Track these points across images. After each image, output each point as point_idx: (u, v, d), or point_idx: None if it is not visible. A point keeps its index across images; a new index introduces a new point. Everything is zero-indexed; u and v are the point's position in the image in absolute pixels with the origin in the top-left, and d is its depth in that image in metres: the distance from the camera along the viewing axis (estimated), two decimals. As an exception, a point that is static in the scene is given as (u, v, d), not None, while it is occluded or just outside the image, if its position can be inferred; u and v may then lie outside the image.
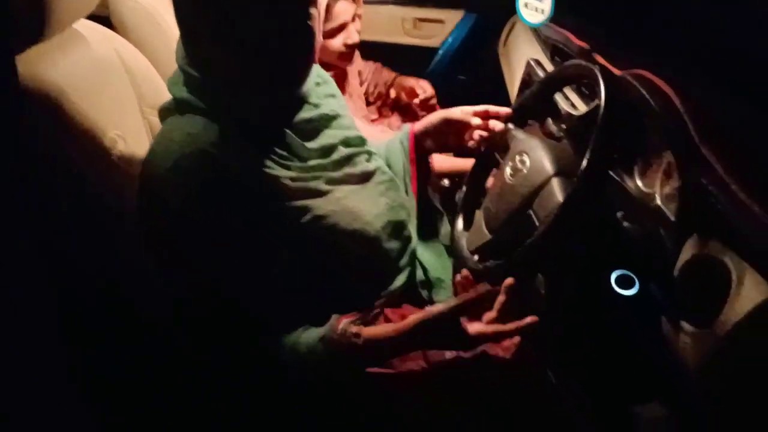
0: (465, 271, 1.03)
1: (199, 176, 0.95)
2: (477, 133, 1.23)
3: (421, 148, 1.30)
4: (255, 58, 0.95)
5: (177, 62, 1.04)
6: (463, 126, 1.24)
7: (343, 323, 0.96)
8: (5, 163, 0.77)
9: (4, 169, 0.77)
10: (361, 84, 2.14)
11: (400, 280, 1.14)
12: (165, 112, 1.05)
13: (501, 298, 0.95)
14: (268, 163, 1.01)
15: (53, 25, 0.95)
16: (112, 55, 1.18)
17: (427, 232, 1.30)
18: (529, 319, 0.94)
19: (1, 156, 0.78)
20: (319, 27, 1.00)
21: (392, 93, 2.11)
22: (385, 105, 2.17)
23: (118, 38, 1.25)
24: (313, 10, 0.97)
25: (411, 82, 2.12)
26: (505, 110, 1.23)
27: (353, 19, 1.80)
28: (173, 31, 1.54)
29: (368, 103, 2.16)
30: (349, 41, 1.78)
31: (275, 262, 1.01)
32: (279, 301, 1.00)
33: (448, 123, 1.25)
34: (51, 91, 0.98)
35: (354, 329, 0.95)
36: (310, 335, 0.97)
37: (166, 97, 1.30)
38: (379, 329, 0.97)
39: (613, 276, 0.98)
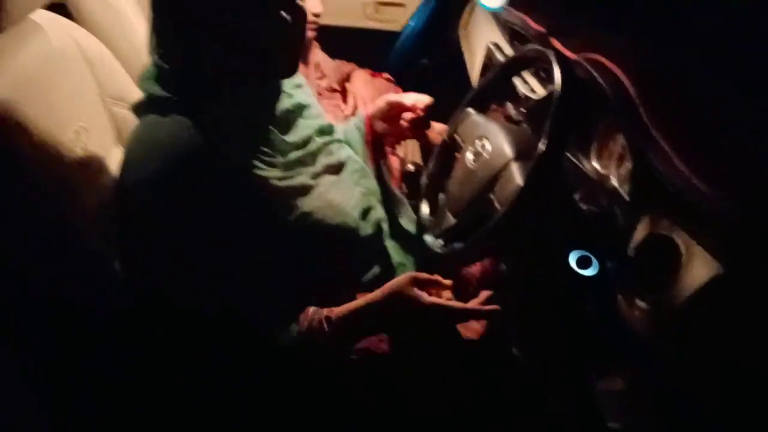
0: None
1: (188, 179, 0.93)
2: (407, 115, 1.30)
3: (376, 132, 1.33)
4: (246, 49, 0.95)
5: (151, 56, 1.01)
6: (403, 108, 1.29)
7: (311, 311, 0.98)
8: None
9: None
10: (321, 78, 2.14)
11: (376, 267, 1.17)
12: (140, 110, 1.02)
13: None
14: (255, 163, 1.01)
15: (10, 17, 0.93)
16: (70, 45, 1.16)
17: (389, 217, 1.32)
18: (491, 306, 0.98)
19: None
20: (309, 14, 1.00)
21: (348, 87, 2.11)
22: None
23: (76, 27, 1.23)
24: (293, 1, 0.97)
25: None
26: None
27: None
28: (130, 18, 1.52)
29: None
30: (314, 10, 1.78)
31: (261, 258, 1.01)
32: (262, 294, 1.01)
33: (391, 106, 1.30)
34: (8, 83, 0.96)
35: (324, 311, 0.98)
36: (289, 334, 0.99)
37: (127, 85, 1.30)
38: (351, 304, 1.00)
39: (573, 257, 1.01)
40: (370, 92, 2.02)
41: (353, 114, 1.96)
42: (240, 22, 0.93)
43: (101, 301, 1.07)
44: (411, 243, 1.28)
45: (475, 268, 1.29)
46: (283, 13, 0.96)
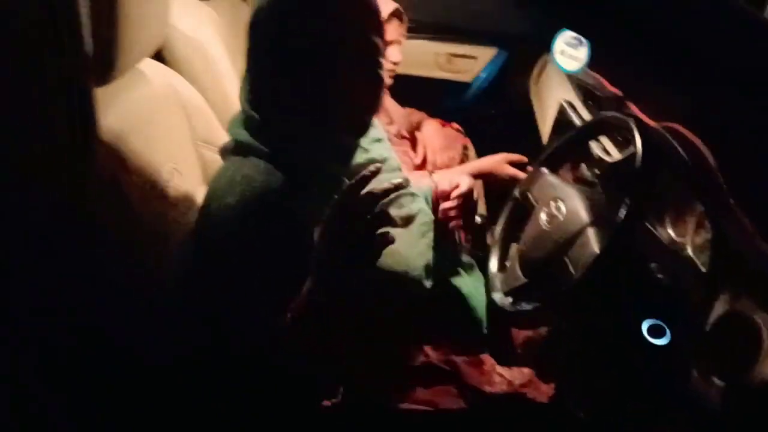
0: None
1: (257, 216, 0.98)
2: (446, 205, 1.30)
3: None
4: (326, 107, 1.01)
5: (241, 104, 1.09)
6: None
7: None
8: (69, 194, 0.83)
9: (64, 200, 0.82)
10: (390, 124, 2.19)
11: (438, 318, 1.18)
12: (225, 152, 1.10)
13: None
14: (324, 208, 1.06)
15: (123, 66, 1.01)
16: (168, 90, 1.24)
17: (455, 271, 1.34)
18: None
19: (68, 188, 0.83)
20: (386, 74, 1.06)
21: (418, 136, 2.12)
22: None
23: (173, 73, 1.32)
24: (382, 60, 1.03)
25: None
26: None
27: (399, 41, 1.88)
28: (221, 67, 1.61)
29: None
30: (394, 59, 1.85)
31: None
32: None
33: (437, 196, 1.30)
34: (114, 126, 1.04)
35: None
36: None
37: (216, 129, 1.37)
38: None
39: (645, 325, 1.01)
40: (441, 141, 2.05)
41: (423, 163, 1.99)
42: (324, 83, 1.01)
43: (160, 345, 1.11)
44: (476, 297, 1.29)
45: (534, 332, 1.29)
46: (365, 78, 1.02)
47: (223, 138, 1.14)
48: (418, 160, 2.02)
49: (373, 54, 1.03)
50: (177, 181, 1.17)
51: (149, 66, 1.23)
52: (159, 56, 1.45)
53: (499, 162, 1.71)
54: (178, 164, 1.20)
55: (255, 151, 1.04)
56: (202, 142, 1.32)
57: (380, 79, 1.05)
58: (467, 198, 1.27)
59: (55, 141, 0.80)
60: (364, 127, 1.10)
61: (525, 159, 1.68)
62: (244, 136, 1.06)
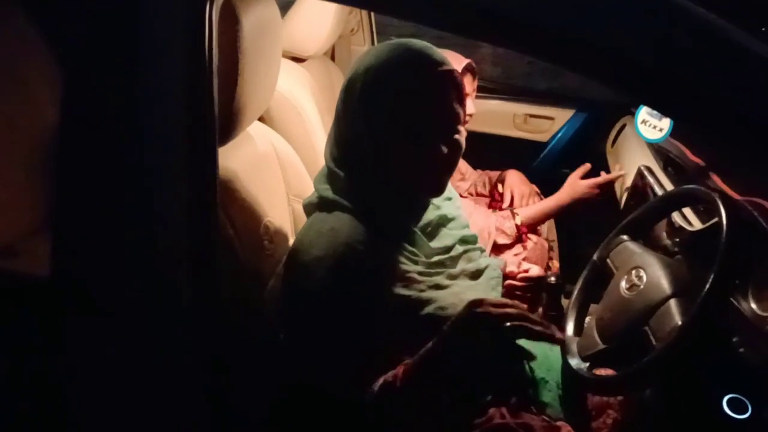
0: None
1: (343, 266, 1.06)
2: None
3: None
4: (407, 170, 1.08)
5: (326, 162, 1.17)
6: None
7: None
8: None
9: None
10: (462, 180, 2.25)
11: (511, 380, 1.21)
12: (310, 207, 1.18)
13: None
14: (401, 259, 1.13)
15: (240, 127, 1.11)
16: (269, 148, 1.34)
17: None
18: None
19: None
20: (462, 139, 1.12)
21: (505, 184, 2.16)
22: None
23: (273, 132, 1.42)
24: (461, 127, 1.10)
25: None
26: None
27: (472, 94, 1.95)
28: (313, 125, 1.71)
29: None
30: (468, 111, 1.92)
31: (398, 348, 1.10)
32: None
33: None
34: (224, 181, 1.14)
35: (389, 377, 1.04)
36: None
37: (308, 184, 1.46)
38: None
39: (725, 399, 1.01)
40: (527, 188, 2.09)
41: (511, 207, 2.03)
42: (404, 149, 1.08)
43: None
44: (551, 360, 1.30)
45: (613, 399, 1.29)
46: (447, 145, 1.09)
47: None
48: (505, 205, 2.06)
49: (455, 122, 1.10)
50: (271, 233, 1.26)
51: (253, 127, 1.33)
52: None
53: (572, 185, 1.77)
54: (273, 218, 1.29)
55: (339, 207, 1.11)
56: (294, 197, 1.41)
57: (460, 146, 1.12)
58: (533, 285, 1.34)
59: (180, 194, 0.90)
60: (441, 189, 1.17)
61: (589, 166, 1.80)
62: (329, 192, 1.13)
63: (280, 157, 1.37)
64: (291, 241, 1.38)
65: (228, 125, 1.06)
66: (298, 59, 1.95)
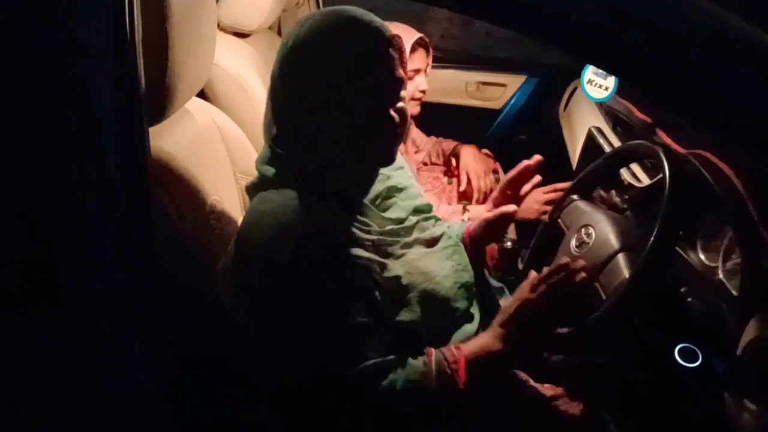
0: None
1: (297, 238, 1.03)
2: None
3: (476, 243, 1.37)
4: (351, 142, 1.06)
5: (265, 140, 1.14)
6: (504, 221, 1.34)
7: (434, 355, 1.03)
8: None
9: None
10: (417, 152, 2.24)
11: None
12: (253, 189, 1.14)
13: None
14: (353, 230, 1.11)
15: (173, 106, 1.07)
16: (211, 125, 1.31)
17: (486, 299, 1.36)
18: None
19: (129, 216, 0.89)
20: (412, 104, 1.10)
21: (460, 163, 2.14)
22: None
23: (215, 109, 1.38)
24: (404, 93, 1.08)
25: None
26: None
27: (425, 69, 1.93)
28: (260, 100, 1.67)
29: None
30: (421, 87, 1.90)
31: (356, 315, 1.09)
32: (360, 344, 1.05)
33: (489, 225, 1.33)
34: (163, 161, 1.10)
35: (450, 356, 1.03)
36: (406, 373, 1.03)
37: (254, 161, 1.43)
38: (472, 343, 1.05)
39: (677, 348, 1.03)
40: (482, 166, 2.08)
41: (469, 192, 2.03)
42: (348, 121, 1.04)
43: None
44: None
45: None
46: (389, 113, 1.06)
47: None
48: (462, 187, 2.05)
49: (399, 88, 1.07)
50: (219, 211, 1.23)
51: (193, 104, 1.29)
52: (201, 92, 1.52)
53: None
54: (220, 196, 1.26)
55: (284, 184, 1.09)
56: (242, 174, 1.38)
57: (405, 113, 1.09)
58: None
59: (110, 177, 0.87)
60: (389, 159, 1.14)
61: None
62: (272, 172, 1.11)
63: (223, 134, 1.34)
64: (240, 220, 1.36)
65: (161, 103, 1.02)
66: (241, 35, 1.90)
